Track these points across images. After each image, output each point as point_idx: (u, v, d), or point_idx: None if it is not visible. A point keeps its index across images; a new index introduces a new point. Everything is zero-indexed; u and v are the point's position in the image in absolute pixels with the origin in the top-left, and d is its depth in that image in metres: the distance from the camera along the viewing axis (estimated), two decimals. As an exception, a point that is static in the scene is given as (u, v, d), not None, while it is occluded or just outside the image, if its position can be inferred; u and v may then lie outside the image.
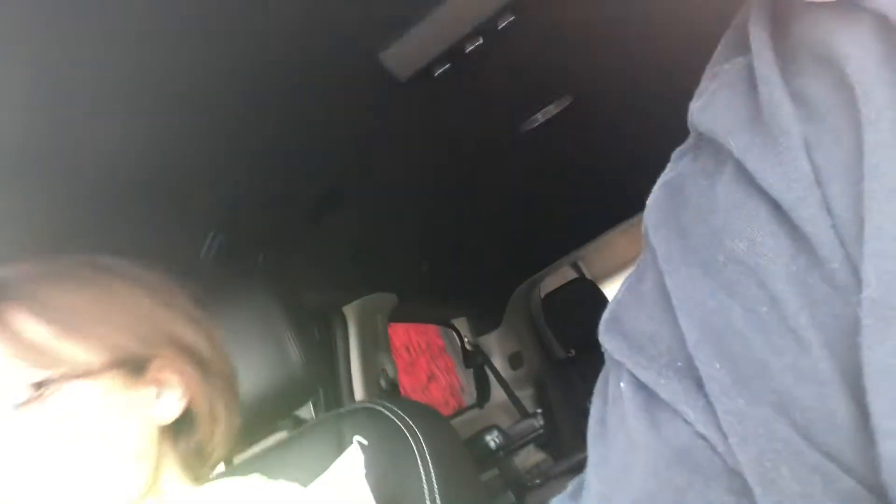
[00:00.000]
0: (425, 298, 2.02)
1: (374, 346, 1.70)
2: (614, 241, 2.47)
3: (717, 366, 0.27)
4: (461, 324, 2.39)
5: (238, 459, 0.93)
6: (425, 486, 0.71)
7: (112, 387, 0.57)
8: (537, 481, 1.73)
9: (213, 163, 0.93)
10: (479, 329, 2.42)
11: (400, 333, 3.24)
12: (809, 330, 0.25)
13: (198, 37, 0.69)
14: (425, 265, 1.79)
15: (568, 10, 1.01)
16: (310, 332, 0.90)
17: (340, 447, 0.75)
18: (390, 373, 1.73)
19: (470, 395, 2.98)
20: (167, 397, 0.61)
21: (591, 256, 3.63)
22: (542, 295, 2.61)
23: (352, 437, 0.69)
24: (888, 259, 0.22)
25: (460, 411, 2.66)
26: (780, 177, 0.26)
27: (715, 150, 0.30)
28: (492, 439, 1.64)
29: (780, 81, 0.27)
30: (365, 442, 0.68)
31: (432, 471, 0.73)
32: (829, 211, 0.25)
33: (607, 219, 2.26)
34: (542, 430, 1.70)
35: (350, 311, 1.63)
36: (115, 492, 0.56)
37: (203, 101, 0.80)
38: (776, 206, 0.26)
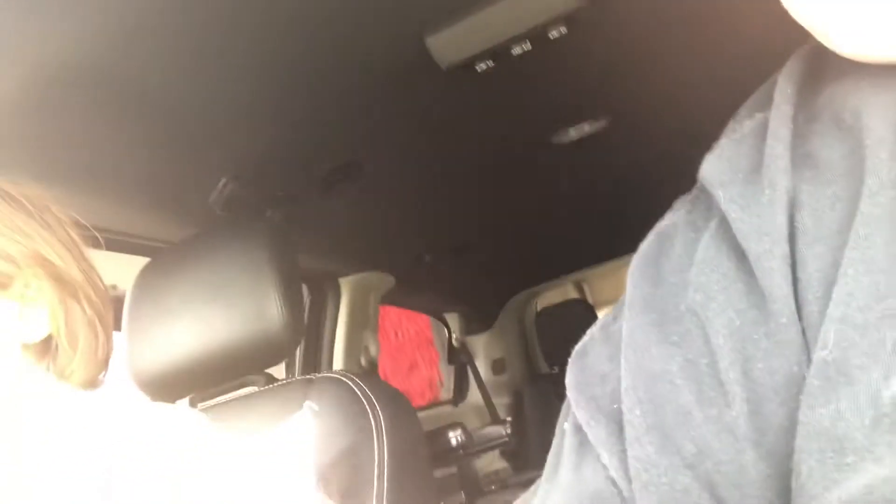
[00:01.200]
0: (422, 287, 2.02)
1: (363, 322, 1.70)
2: (621, 270, 2.46)
3: (638, 412, 0.27)
4: (453, 319, 2.39)
5: (201, 405, 0.94)
6: (375, 465, 0.71)
7: None
8: (493, 487, 1.73)
9: (239, 111, 0.93)
10: (470, 328, 2.42)
11: (392, 317, 3.24)
12: (736, 385, 0.25)
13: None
14: (428, 257, 1.79)
15: (621, 34, 1.01)
16: (298, 296, 0.91)
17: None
18: (372, 352, 1.73)
19: (447, 392, 2.99)
20: (32, 315, 0.62)
21: (597, 281, 3.62)
22: (539, 308, 2.61)
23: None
24: (851, 327, 0.22)
25: (433, 405, 2.66)
26: (755, 228, 0.26)
27: (708, 203, 0.30)
28: (454, 436, 1.64)
29: (788, 137, 0.28)
30: (316, 408, 0.68)
31: (385, 451, 0.73)
32: (796, 268, 0.25)
33: (618, 247, 2.26)
34: (506, 439, 1.70)
35: (346, 284, 1.64)
36: None
37: (239, 50, 0.80)
38: (743, 259, 0.26)
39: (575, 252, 2.28)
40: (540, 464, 0.32)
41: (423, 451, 0.79)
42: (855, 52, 0.25)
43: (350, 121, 1.07)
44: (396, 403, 0.77)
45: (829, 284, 0.24)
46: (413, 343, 3.39)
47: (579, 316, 2.44)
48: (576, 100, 1.22)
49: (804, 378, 0.24)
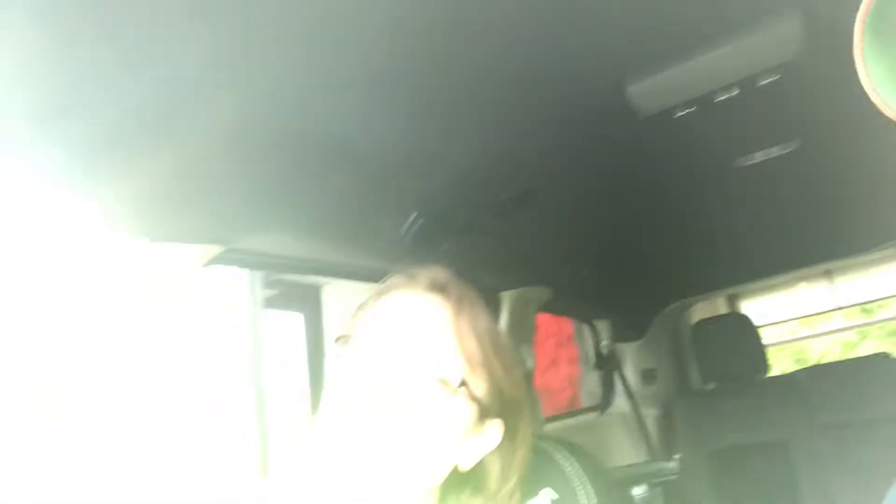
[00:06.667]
0: (577, 296, 2.01)
1: (520, 335, 1.71)
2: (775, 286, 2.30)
3: None
4: (603, 325, 2.35)
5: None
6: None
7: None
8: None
9: (428, 150, 0.96)
10: (620, 336, 2.37)
11: (533, 313, 3.24)
12: None
13: (441, 35, 0.70)
14: (587, 271, 1.77)
15: (826, 78, 0.93)
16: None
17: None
18: (529, 364, 1.75)
19: (588, 394, 2.96)
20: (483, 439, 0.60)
21: (750, 300, 3.43)
22: (694, 320, 2.50)
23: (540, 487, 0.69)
24: None
25: (576, 412, 2.65)
26: None
27: None
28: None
29: None
30: (556, 496, 0.68)
31: None
32: None
33: (777, 265, 2.12)
34: (675, 476, 1.66)
35: (507, 298, 1.66)
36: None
37: (432, 96, 0.81)
38: None
39: (733, 266, 2.16)
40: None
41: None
42: None
43: (535, 152, 1.07)
44: (607, 479, 0.76)
45: None
46: (554, 339, 3.37)
47: (738, 331, 2.31)
48: (770, 129, 1.15)
49: None
